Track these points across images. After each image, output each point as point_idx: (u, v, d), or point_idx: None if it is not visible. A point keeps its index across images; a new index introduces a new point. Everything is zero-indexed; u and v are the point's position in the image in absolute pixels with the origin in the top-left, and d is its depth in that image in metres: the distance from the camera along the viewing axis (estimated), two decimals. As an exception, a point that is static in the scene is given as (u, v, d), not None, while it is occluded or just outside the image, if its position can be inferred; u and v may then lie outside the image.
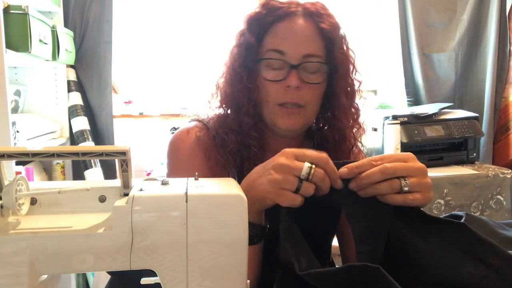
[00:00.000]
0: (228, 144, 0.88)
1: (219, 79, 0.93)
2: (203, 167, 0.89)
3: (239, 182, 0.87)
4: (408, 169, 0.63)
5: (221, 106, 0.93)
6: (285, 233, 0.62)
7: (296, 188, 0.61)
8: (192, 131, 0.93)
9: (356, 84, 0.92)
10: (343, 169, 0.63)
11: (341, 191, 0.64)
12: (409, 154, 0.66)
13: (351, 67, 0.90)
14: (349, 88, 0.91)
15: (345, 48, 0.89)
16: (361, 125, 0.95)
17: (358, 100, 0.94)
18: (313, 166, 0.61)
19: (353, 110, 0.93)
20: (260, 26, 0.87)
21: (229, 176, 0.89)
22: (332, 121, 0.92)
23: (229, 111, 0.92)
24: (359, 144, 0.97)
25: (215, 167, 0.89)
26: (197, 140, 0.91)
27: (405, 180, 0.62)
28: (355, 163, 0.63)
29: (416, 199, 0.62)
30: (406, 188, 0.62)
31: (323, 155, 0.62)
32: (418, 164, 0.65)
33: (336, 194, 0.64)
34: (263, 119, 0.90)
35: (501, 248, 0.59)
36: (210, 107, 0.95)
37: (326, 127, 0.95)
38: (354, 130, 0.93)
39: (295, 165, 0.61)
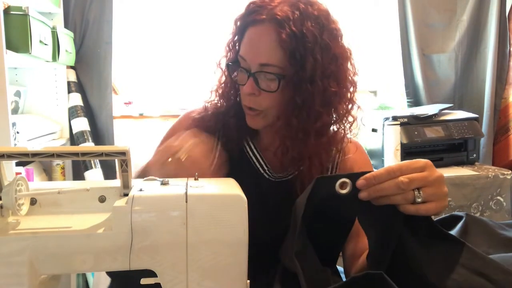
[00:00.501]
0: (214, 121, 0.96)
1: (214, 72, 1.00)
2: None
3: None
4: (424, 180, 0.62)
5: (211, 94, 1.01)
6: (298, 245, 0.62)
7: None
8: (193, 112, 1.01)
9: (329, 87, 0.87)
10: (361, 181, 0.62)
11: (356, 197, 0.63)
12: (427, 162, 0.64)
13: (324, 74, 0.85)
14: (319, 92, 0.86)
15: (317, 55, 0.84)
16: (331, 138, 0.92)
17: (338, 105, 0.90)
18: None
19: (326, 117, 0.89)
20: (239, 28, 0.91)
21: (217, 152, 0.96)
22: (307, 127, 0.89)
23: (218, 100, 1.00)
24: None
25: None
26: (194, 119, 0.99)
27: (419, 191, 0.62)
28: (373, 174, 0.62)
29: (429, 210, 0.62)
30: (419, 200, 0.62)
31: None
32: (435, 173, 0.64)
33: (351, 200, 0.64)
34: None
35: (498, 263, 0.59)
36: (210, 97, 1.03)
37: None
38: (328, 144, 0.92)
39: None
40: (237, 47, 0.93)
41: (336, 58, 0.87)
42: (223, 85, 0.97)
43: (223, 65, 0.97)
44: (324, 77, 0.85)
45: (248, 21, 0.88)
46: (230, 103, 0.96)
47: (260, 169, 0.97)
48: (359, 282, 0.55)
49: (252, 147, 0.98)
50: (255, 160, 0.97)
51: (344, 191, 0.62)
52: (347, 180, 0.62)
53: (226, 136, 0.96)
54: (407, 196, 0.62)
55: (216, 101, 0.99)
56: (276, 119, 0.90)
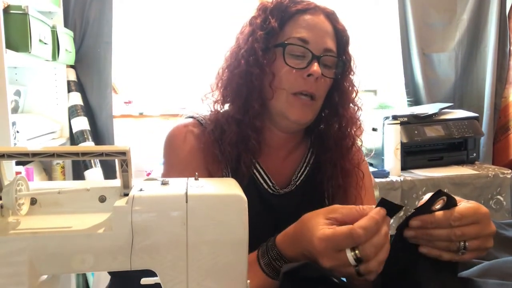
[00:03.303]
0: (228, 134, 0.87)
1: (223, 69, 0.92)
2: (201, 164, 0.89)
3: (236, 177, 0.87)
4: (475, 234, 0.61)
5: (222, 96, 0.91)
6: None
7: (358, 273, 0.57)
8: (189, 127, 0.92)
9: (356, 84, 0.95)
10: (415, 222, 0.61)
11: None
12: (486, 213, 0.62)
13: (354, 68, 0.94)
14: (350, 87, 0.94)
15: (350, 49, 0.94)
16: (361, 124, 0.97)
17: (358, 102, 0.97)
18: (356, 250, 0.56)
19: (353, 107, 0.96)
20: (282, 14, 0.88)
21: (224, 173, 0.90)
22: (334, 118, 0.94)
23: (228, 103, 0.91)
24: (358, 142, 0.99)
25: (212, 164, 0.89)
26: (194, 136, 0.91)
27: (465, 244, 0.61)
28: (431, 219, 0.61)
29: (463, 258, 0.62)
30: (461, 253, 0.61)
31: (350, 233, 0.56)
32: (488, 228, 0.62)
33: None
34: (269, 109, 0.90)
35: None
36: (208, 102, 0.94)
37: (327, 124, 0.97)
38: (354, 128, 0.95)
39: (341, 263, 0.57)
40: (272, 32, 0.88)
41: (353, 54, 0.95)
42: (254, 74, 0.86)
43: (260, 51, 0.86)
44: (352, 73, 0.94)
45: (298, 8, 0.88)
46: (258, 102, 0.87)
47: (264, 184, 0.93)
48: None
49: (256, 164, 0.92)
50: (258, 176, 0.92)
51: (438, 206, 0.62)
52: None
53: (246, 139, 0.89)
54: (451, 246, 0.61)
55: (223, 102, 0.92)
56: (318, 111, 0.91)
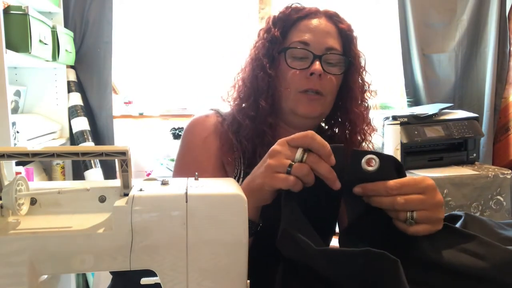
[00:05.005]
0: (244, 129, 0.93)
1: (238, 74, 1.00)
2: (216, 153, 0.94)
3: (251, 170, 0.91)
4: (421, 204, 0.62)
5: (238, 97, 0.98)
6: (289, 222, 0.62)
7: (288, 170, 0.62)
8: (210, 117, 0.99)
9: (368, 80, 1.01)
10: (357, 188, 0.63)
11: (342, 179, 0.64)
12: (430, 185, 0.63)
13: (363, 66, 1.00)
14: (361, 84, 0.99)
15: (358, 47, 0.98)
16: (371, 122, 1.01)
17: (369, 99, 1.02)
18: (306, 152, 0.63)
19: (364, 104, 1.00)
20: (284, 22, 0.95)
21: (240, 164, 0.94)
22: (344, 115, 0.99)
23: (245, 102, 0.97)
24: (369, 141, 1.03)
25: (227, 152, 0.94)
26: (214, 126, 0.97)
27: (412, 214, 0.61)
28: (371, 187, 0.62)
29: (418, 231, 0.62)
30: (410, 222, 0.62)
31: (308, 132, 0.63)
32: (435, 198, 0.63)
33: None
34: (281, 109, 0.95)
35: (482, 238, 0.60)
36: (227, 100, 1.00)
37: (338, 122, 1.01)
38: (364, 125, 0.99)
39: (288, 151, 0.64)
40: (275, 40, 0.94)
41: (363, 53, 1.00)
42: (259, 77, 0.93)
43: (263, 57, 0.94)
44: (360, 70, 0.99)
45: (300, 15, 0.95)
46: (267, 102, 0.93)
47: None
48: (372, 258, 0.53)
49: None
50: None
51: (370, 168, 0.62)
52: (374, 156, 0.62)
53: (261, 134, 0.93)
54: (399, 215, 0.62)
55: (239, 103, 0.97)
56: (329, 107, 0.95)
